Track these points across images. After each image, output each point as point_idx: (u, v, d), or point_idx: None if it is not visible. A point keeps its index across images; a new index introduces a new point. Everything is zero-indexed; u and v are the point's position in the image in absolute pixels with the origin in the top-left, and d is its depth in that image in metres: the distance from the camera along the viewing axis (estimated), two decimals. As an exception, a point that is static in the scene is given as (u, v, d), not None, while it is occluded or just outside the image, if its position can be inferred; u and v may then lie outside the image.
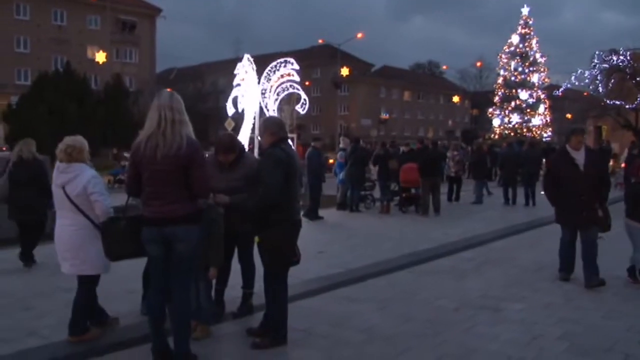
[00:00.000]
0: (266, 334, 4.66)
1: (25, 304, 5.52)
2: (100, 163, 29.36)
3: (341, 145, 15.59)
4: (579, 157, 6.59)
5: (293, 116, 23.20)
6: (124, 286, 5.83)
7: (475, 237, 9.98)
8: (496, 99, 41.62)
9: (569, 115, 60.57)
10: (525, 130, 39.76)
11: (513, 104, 40.39)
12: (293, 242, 4.54)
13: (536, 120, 40.34)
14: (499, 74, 42.13)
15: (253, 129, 14.59)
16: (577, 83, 38.83)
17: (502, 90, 41.05)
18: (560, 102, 51.65)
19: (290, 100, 20.68)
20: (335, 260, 7.81)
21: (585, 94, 42.41)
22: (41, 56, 45.21)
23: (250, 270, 5.30)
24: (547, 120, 41.09)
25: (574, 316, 5.47)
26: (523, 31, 40.70)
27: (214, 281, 5.02)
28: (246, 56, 14.34)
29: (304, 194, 16.30)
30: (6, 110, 35.39)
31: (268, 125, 4.65)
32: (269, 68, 14.22)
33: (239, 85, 14.55)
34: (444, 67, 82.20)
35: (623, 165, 18.79)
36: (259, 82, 14.20)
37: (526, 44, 40.51)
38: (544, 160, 15.98)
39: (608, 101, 36.08)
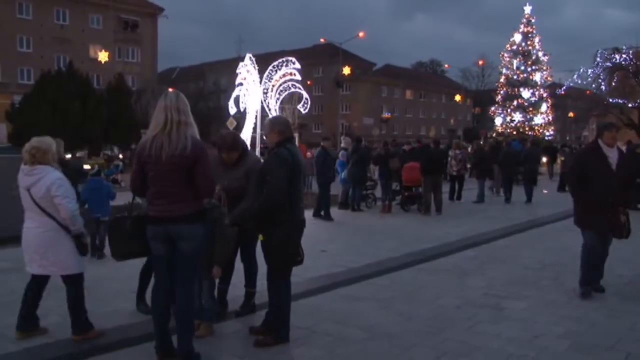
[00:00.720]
0: (269, 332, 4.68)
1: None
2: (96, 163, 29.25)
3: (342, 145, 15.61)
4: (612, 155, 5.98)
5: (295, 115, 23.28)
6: (127, 285, 5.86)
7: (477, 236, 9.99)
8: (498, 97, 41.55)
9: (571, 114, 60.57)
10: (527, 129, 39.69)
11: (515, 102, 40.32)
12: (297, 241, 4.56)
13: (538, 119, 40.27)
14: (501, 73, 42.04)
15: (255, 128, 14.63)
16: (579, 81, 38.89)
17: (505, 89, 40.99)
18: (562, 100, 51.63)
19: (292, 99, 20.74)
20: (337, 259, 7.83)
21: (587, 92, 42.44)
22: (44, 55, 45.33)
23: (252, 269, 5.33)
24: (549, 119, 41.01)
25: (576, 314, 5.49)
26: (525, 30, 40.61)
27: (217, 280, 5.04)
28: (248, 55, 14.39)
29: (305, 192, 16.38)
30: (9, 110, 35.43)
31: (275, 125, 4.66)
32: (270, 67, 14.27)
33: (241, 84, 14.59)
34: (446, 65, 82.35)
35: None
36: (260, 82, 14.25)
37: (528, 42, 40.43)
38: (544, 159, 16.11)
39: (611, 99, 36.07)
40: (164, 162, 3.92)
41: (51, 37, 46.53)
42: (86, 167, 21.28)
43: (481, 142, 20.16)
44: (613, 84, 36.17)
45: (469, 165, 18.35)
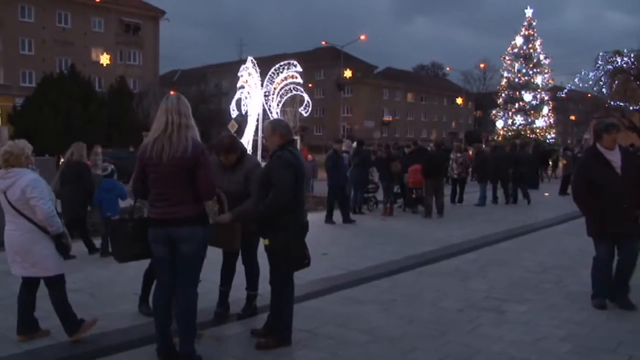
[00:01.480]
0: (270, 335, 4.68)
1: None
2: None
3: (344, 148, 15.62)
4: (614, 157, 5.67)
5: (296, 118, 23.28)
6: (130, 287, 5.87)
7: (478, 239, 9.99)
8: (500, 100, 41.60)
9: (573, 117, 60.52)
10: (529, 132, 39.69)
11: (517, 105, 40.37)
12: (303, 244, 4.57)
13: (540, 122, 40.30)
14: (502, 76, 42.11)
15: (256, 131, 14.64)
16: (581, 84, 38.88)
17: (506, 92, 41.03)
18: (564, 103, 51.62)
19: (293, 102, 20.78)
20: (339, 262, 7.84)
21: (589, 95, 42.41)
22: (46, 58, 45.32)
23: (254, 272, 5.33)
24: (551, 122, 41.02)
25: (578, 318, 5.48)
26: (527, 32, 40.68)
27: (218, 283, 5.05)
28: (249, 58, 14.40)
29: (307, 195, 16.38)
30: (11, 112, 35.48)
31: (277, 127, 4.66)
32: (272, 70, 14.28)
33: (242, 87, 14.61)
34: (448, 68, 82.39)
35: None
36: (262, 84, 14.26)
37: (530, 45, 40.47)
38: (548, 162, 16.23)
39: (612, 102, 36.03)
40: (164, 165, 3.93)
41: (53, 40, 46.56)
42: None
43: (483, 145, 20.17)
44: (614, 87, 36.14)
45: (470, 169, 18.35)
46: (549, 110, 40.90)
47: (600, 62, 36.03)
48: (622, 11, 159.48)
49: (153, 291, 4.31)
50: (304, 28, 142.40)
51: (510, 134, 39.74)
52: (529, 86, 40.23)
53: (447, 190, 15.15)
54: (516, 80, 40.46)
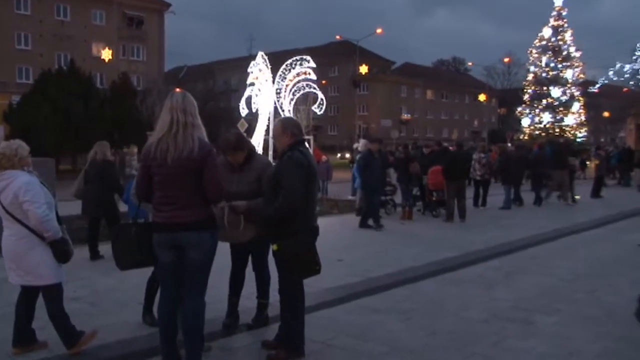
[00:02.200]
0: (282, 346, 4.67)
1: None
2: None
3: (360, 148, 15.59)
4: None
5: (309, 117, 23.26)
6: (135, 296, 5.88)
7: (503, 245, 9.92)
8: (526, 97, 41.25)
9: (606, 114, 59.88)
10: (557, 130, 39.26)
11: (544, 102, 39.96)
12: (314, 249, 4.56)
13: (570, 119, 39.79)
14: (529, 70, 41.76)
15: (268, 130, 14.67)
16: (615, 78, 38.43)
17: (533, 88, 40.67)
18: (596, 99, 51.07)
19: (306, 100, 20.76)
20: (355, 268, 7.82)
21: (624, 90, 41.94)
22: (43, 53, 45.60)
23: (265, 279, 5.33)
24: (581, 119, 40.58)
25: (615, 331, 5.40)
26: (556, 23, 40.22)
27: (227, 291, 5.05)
28: (260, 54, 14.43)
29: (320, 198, 16.38)
30: (7, 111, 35.28)
31: (287, 126, 4.66)
32: (284, 66, 14.30)
33: (252, 84, 14.65)
34: (470, 63, 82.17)
35: None
36: (273, 81, 14.29)
37: (559, 37, 40.03)
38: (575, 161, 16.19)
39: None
40: (169, 166, 3.94)
41: (51, 34, 46.82)
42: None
43: (509, 144, 20.07)
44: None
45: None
46: (580, 106, 40.48)
47: (638, 54, 35.57)
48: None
49: (158, 301, 4.31)
50: (317, 22, 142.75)
51: (537, 132, 39.35)
52: (558, 81, 39.77)
53: (470, 193, 15.09)
54: (544, 75, 40.05)
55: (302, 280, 4.65)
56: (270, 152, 14.85)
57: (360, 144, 15.56)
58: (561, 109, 39.83)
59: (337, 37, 57.49)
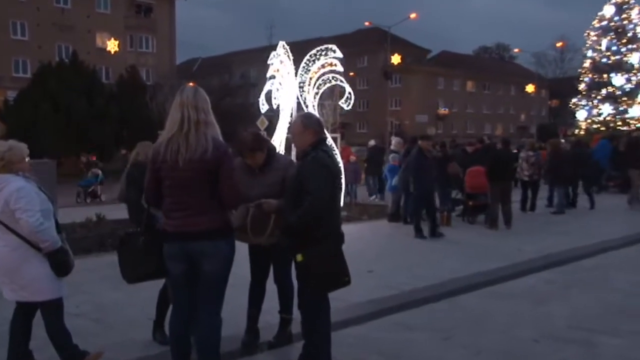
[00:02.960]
0: (307, 367, 4.66)
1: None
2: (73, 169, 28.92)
3: (392, 147, 15.55)
4: None
5: (336, 113, 23.25)
6: (144, 312, 5.92)
7: (557, 254, 9.79)
8: (582, 86, 40.43)
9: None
10: (620, 123, 38.25)
11: (604, 91, 39.00)
12: (343, 259, 4.55)
13: (635, 111, 38.58)
14: (585, 56, 40.85)
15: (290, 128, 14.70)
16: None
17: (590, 76, 39.79)
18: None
19: (332, 94, 20.72)
20: (387, 281, 7.80)
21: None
22: (42, 44, 45.69)
23: (288, 292, 5.32)
24: (649, 110, 39.47)
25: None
26: (619, 0, 39.25)
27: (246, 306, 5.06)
28: (281, 43, 14.44)
29: (349, 203, 16.37)
30: (3, 108, 35.51)
31: (309, 124, 4.67)
32: (307, 57, 14.29)
33: (273, 77, 14.66)
34: (516, 50, 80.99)
35: None
36: (296, 74, 14.28)
37: (623, 15, 38.90)
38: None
39: None
40: (181, 168, 3.96)
41: (51, 23, 46.78)
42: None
43: (562, 141, 19.81)
44: None
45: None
46: (647, 95, 39.37)
47: None
48: None
49: (170, 317, 4.32)
50: (344, 7, 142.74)
51: (595, 126, 38.50)
52: (621, 67, 38.62)
53: (517, 196, 14.90)
54: (604, 60, 39.03)
55: (328, 293, 4.64)
56: (293, 153, 14.89)
57: (393, 143, 15.52)
58: (624, 99, 38.66)
59: (366, 23, 57.36)
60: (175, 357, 4.20)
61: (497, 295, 7.29)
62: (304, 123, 4.68)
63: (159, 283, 4.91)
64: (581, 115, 40.24)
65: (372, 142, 22.13)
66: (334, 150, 13.97)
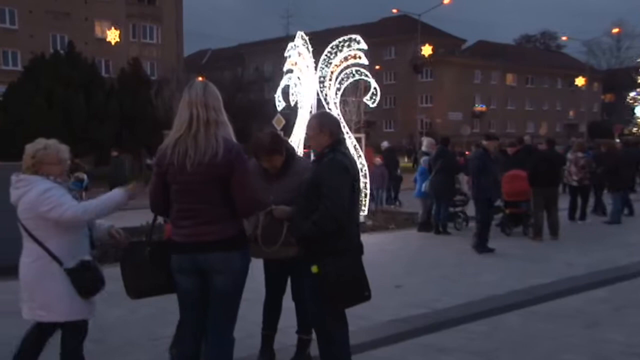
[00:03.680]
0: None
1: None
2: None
3: (424, 148, 15.52)
4: None
5: (360, 110, 23.30)
6: (147, 330, 5.98)
7: (611, 270, 9.73)
8: (641, 78, 40.08)
9: None
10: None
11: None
12: (362, 270, 4.58)
13: None
14: (646, 44, 40.48)
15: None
16: None
17: (652, 66, 39.41)
18: None
19: (356, 89, 20.75)
20: (416, 297, 7.81)
21: None
22: (35, 34, 45.93)
23: (307, 309, 5.32)
24: None
25: None
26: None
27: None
28: (299, 34, 14.50)
29: (376, 210, 16.37)
30: None
31: (326, 123, 4.72)
32: (328, 49, 14.33)
33: (290, 71, 14.72)
34: (564, 38, 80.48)
35: None
36: (316, 68, 14.33)
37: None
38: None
39: None
40: (189, 173, 3.99)
41: (44, 10, 47.03)
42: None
43: (617, 140, 19.65)
44: None
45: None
46: None
47: None
48: None
49: (178, 336, 4.35)
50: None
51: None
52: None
53: (564, 203, 14.81)
54: (668, 47, 38.65)
55: (345, 310, 4.67)
56: (312, 155, 14.94)
57: (424, 143, 15.50)
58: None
59: (394, 10, 57.23)
60: (184, 380, 4.23)
61: (541, 316, 7.25)
62: (319, 123, 4.73)
63: (164, 299, 4.93)
64: (640, 111, 39.80)
65: (385, 144, 22.10)
66: (359, 152, 14.05)
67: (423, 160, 14.40)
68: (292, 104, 14.95)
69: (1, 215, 6.00)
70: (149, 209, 4.36)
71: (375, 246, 10.81)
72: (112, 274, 4.74)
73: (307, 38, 14.42)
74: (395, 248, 11.67)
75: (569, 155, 15.92)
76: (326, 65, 14.29)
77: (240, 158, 4.06)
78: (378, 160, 19.33)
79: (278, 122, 20.57)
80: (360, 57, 14.30)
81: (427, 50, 52.19)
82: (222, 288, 4.09)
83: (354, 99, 21.82)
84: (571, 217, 15.40)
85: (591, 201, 16.34)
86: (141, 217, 9.25)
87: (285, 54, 14.79)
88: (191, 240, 4.06)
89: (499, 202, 14.01)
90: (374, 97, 14.77)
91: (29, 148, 4.58)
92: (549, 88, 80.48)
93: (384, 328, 6.49)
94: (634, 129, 39.29)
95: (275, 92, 15.29)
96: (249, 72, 58.90)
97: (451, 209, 13.92)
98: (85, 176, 20.68)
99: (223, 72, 54.98)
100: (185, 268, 4.13)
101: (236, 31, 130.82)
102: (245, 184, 4.07)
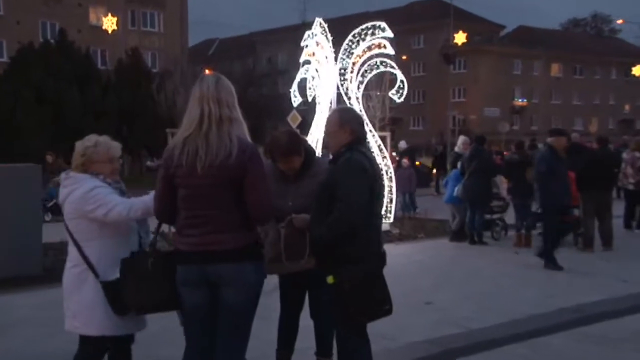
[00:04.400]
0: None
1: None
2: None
3: (456, 148, 15.49)
4: None
5: (385, 106, 23.34)
6: (146, 352, 6.00)
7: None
8: None
9: None
10: None
11: None
12: (383, 282, 4.60)
13: None
14: None
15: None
16: None
17: None
18: None
19: (381, 83, 20.78)
20: (450, 315, 7.78)
21: None
22: (22, 21, 46.05)
23: (326, 329, 5.33)
24: None
25: None
26: None
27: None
28: (317, 21, 14.54)
29: (403, 217, 16.35)
30: None
31: (348, 119, 4.74)
32: (350, 37, 14.37)
33: (307, 62, 14.77)
34: (619, 21, 79.59)
35: None
36: (336, 59, 14.37)
37: None
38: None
39: None
40: (200, 175, 4.00)
41: None
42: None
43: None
44: None
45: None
46: None
47: None
48: None
49: (184, 357, 4.37)
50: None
51: None
52: None
53: (619, 209, 14.72)
54: None
55: (366, 325, 4.68)
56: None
57: (458, 143, 15.46)
58: None
59: (423, -7, 57.31)
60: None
61: (592, 338, 7.21)
62: (340, 119, 4.75)
63: (167, 315, 4.96)
64: None
65: (402, 145, 22.06)
66: (383, 153, 14.06)
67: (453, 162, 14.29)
68: (310, 99, 14.99)
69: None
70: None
71: (402, 257, 10.80)
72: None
73: (326, 25, 14.46)
74: (424, 259, 11.63)
75: (625, 155, 15.81)
76: (347, 56, 14.32)
77: (256, 159, 4.07)
78: (405, 161, 19.34)
79: (293, 120, 20.59)
80: (385, 47, 14.32)
81: (460, 37, 52.02)
82: (233, 303, 4.09)
83: (378, 93, 21.88)
84: (627, 225, 15.28)
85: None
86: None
87: (302, 44, 14.84)
88: (200, 249, 4.07)
89: (535, 208, 13.97)
90: (400, 91, 14.79)
91: (79, 145, 4.69)
92: (601, 79, 79.84)
93: (412, 350, 6.46)
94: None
95: (290, 86, 15.34)
96: (261, 64, 59.21)
97: (487, 216, 13.87)
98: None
99: (232, 64, 55.35)
100: (192, 280, 4.14)
101: (247, 18, 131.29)
102: (260, 187, 4.08)
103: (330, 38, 14.40)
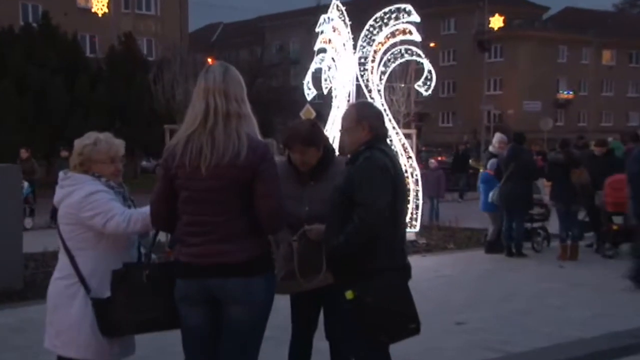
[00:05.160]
0: None
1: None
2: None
3: (491, 148, 15.43)
4: None
5: (411, 100, 23.30)
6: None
7: None
8: None
9: None
10: None
11: None
12: (409, 297, 4.60)
13: None
14: None
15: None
16: None
17: None
18: None
19: (405, 73, 20.77)
20: (484, 337, 7.76)
21: None
22: (0, 2, 45.43)
23: (345, 350, 5.35)
24: None
25: None
26: None
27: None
28: (335, 3, 14.56)
29: (431, 226, 16.34)
30: None
31: (366, 115, 4.75)
32: (371, 22, 14.38)
33: (323, 51, 14.80)
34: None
35: None
36: (355, 46, 14.39)
37: None
38: None
39: None
40: (204, 177, 4.00)
41: None
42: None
43: None
44: None
45: None
46: None
47: None
48: None
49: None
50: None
51: None
52: None
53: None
54: None
55: (388, 346, 4.68)
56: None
57: (494, 141, 15.39)
58: None
59: (454, -29, 57.31)
60: None
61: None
62: (358, 114, 4.76)
63: (163, 336, 4.98)
64: None
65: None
66: (409, 153, 14.07)
67: (490, 163, 14.23)
68: (325, 92, 15.02)
69: None
70: None
71: (430, 271, 10.82)
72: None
73: (344, 8, 14.47)
74: (455, 274, 11.61)
75: None
76: (368, 44, 14.34)
77: (268, 160, 4.06)
78: (433, 162, 19.33)
79: (307, 115, 20.56)
80: (410, 32, 14.33)
81: (496, 21, 52.06)
82: (240, 322, 4.09)
83: (402, 86, 21.83)
84: None
85: None
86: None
87: (317, 29, 14.87)
88: (203, 260, 4.05)
89: (583, 216, 13.90)
90: (427, 83, 14.79)
91: (77, 143, 4.66)
92: (661, 68, 79.45)
93: (442, 375, 6.52)
94: None
95: (303, 77, 15.37)
96: (271, 52, 59.31)
97: (527, 225, 13.84)
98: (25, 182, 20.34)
99: (238, 52, 55.39)
100: (193, 297, 4.13)
101: (254, 0, 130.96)
102: (272, 192, 4.07)
103: (349, 23, 14.41)
